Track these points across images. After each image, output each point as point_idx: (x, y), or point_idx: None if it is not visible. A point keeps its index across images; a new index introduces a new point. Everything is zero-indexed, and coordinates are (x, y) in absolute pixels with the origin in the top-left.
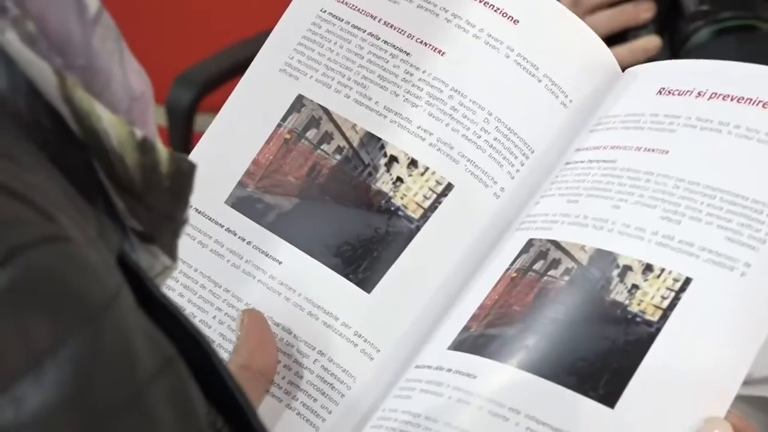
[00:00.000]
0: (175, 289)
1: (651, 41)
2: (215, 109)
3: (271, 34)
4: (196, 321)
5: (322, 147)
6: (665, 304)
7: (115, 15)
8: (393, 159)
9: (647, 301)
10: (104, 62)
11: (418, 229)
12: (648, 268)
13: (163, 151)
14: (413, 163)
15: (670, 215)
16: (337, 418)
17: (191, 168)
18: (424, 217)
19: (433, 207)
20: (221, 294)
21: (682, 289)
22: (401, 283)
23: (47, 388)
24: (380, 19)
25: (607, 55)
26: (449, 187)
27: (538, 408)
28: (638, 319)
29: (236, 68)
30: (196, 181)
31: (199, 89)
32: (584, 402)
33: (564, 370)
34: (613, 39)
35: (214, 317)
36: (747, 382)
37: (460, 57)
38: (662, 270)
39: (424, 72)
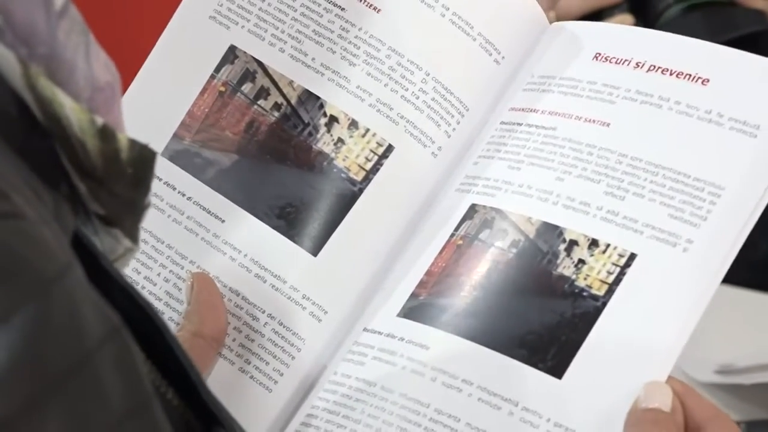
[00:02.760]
0: None
1: (624, 20)
2: None
3: None
4: (140, 277)
5: (258, 102)
6: (611, 279)
7: (96, 10)
8: (333, 119)
9: (593, 276)
10: (69, 53)
11: (360, 191)
12: (594, 243)
13: (123, 138)
14: (354, 124)
15: (614, 191)
16: (288, 380)
17: (152, 155)
18: (367, 180)
19: (374, 169)
20: (164, 250)
21: (627, 264)
22: (347, 246)
23: None
24: None
25: (534, 8)
26: (390, 148)
27: (490, 379)
28: (585, 294)
29: None
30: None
31: None
32: (533, 373)
33: (514, 343)
34: (588, 20)
35: (159, 274)
36: (729, 372)
37: (396, 15)
38: (607, 245)
39: (360, 29)
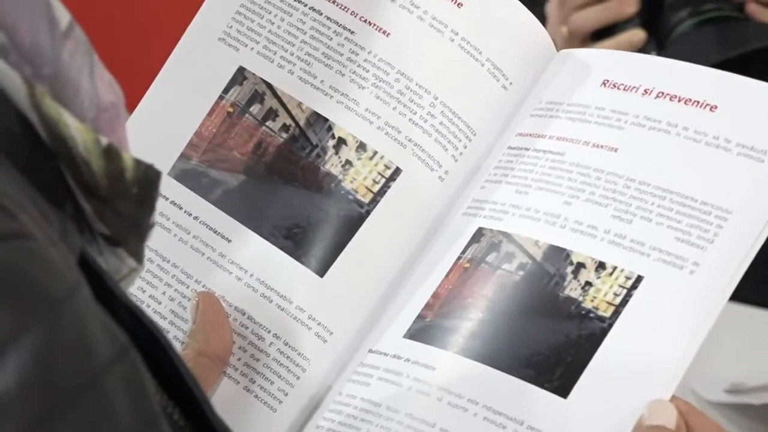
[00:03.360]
0: None
1: (636, 34)
2: None
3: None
4: (145, 296)
5: (267, 124)
6: (617, 300)
7: (107, 30)
8: (341, 141)
9: (600, 297)
10: (73, 73)
11: (368, 213)
12: (601, 265)
13: (128, 158)
14: (362, 146)
15: (621, 214)
16: (293, 400)
17: (157, 175)
18: (374, 202)
19: (382, 191)
20: (170, 269)
21: (634, 286)
22: (353, 267)
23: (8, 374)
24: None
25: (543, 35)
26: (397, 171)
27: (495, 399)
28: (591, 315)
29: None
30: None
31: None
32: (539, 393)
33: (521, 364)
34: (600, 35)
35: (164, 293)
36: (739, 391)
37: (405, 39)
38: (614, 268)
39: (369, 53)
